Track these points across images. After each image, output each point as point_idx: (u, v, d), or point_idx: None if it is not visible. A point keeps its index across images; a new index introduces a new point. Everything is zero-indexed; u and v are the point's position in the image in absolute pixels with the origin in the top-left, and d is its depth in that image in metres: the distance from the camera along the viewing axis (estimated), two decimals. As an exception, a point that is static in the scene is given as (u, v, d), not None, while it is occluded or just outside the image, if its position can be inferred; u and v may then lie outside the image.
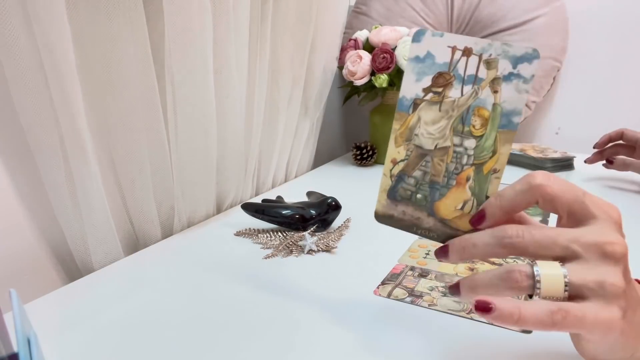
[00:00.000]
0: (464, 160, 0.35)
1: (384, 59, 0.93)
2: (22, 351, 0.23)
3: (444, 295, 0.48)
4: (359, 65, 0.96)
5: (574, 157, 0.99)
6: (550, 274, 0.29)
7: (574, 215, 0.30)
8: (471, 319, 0.43)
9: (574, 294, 0.29)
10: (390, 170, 0.37)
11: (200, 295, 0.49)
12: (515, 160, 1.03)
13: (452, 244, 0.34)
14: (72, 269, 0.58)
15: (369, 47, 1.00)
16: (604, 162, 0.86)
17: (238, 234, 0.65)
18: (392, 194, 0.37)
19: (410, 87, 0.35)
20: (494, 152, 0.34)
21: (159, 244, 0.63)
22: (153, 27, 0.57)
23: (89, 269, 0.56)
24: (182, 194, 0.66)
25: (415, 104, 0.35)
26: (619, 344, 0.29)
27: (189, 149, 0.64)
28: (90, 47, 0.52)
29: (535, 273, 0.29)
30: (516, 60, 0.32)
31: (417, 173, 0.36)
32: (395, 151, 0.36)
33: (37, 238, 0.55)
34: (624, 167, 0.82)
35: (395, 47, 0.95)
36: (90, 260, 0.56)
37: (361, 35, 1.02)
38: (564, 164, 0.98)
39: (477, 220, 0.34)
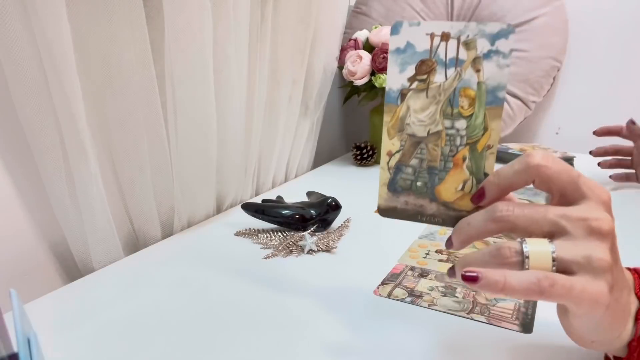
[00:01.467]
0: (458, 142, 0.35)
1: (384, 59, 0.93)
2: (22, 351, 0.23)
3: (444, 295, 0.48)
4: (359, 65, 0.96)
5: (574, 157, 0.99)
6: (538, 249, 0.29)
7: (566, 196, 0.31)
8: (471, 319, 0.43)
9: (562, 269, 0.29)
10: (387, 163, 0.37)
11: (200, 295, 0.49)
12: (515, 160, 1.03)
13: (453, 230, 0.35)
14: (72, 269, 0.58)
15: (369, 47, 1.00)
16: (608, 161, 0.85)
17: (238, 234, 0.65)
18: (392, 186, 0.37)
19: (396, 79, 0.35)
20: (485, 129, 0.35)
21: (159, 244, 0.63)
22: (153, 27, 0.57)
23: (89, 269, 0.56)
24: (182, 194, 0.66)
25: (403, 94, 0.36)
26: (606, 322, 0.30)
27: (189, 149, 0.64)
28: (90, 47, 0.52)
29: (524, 249, 0.29)
30: (493, 38, 0.33)
31: (414, 161, 0.37)
32: (389, 143, 0.37)
33: (37, 238, 0.55)
34: (626, 179, 0.83)
35: (395, 47, 0.95)
36: (90, 260, 0.56)
37: (361, 35, 1.02)
38: (564, 163, 0.98)
39: (477, 198, 0.34)
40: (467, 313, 0.44)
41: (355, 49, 0.99)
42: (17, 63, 0.45)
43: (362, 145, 1.05)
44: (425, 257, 0.57)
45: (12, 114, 0.48)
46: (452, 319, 0.43)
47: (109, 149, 0.58)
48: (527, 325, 0.42)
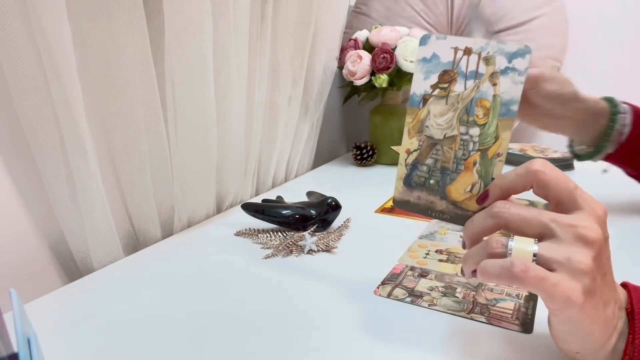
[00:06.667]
0: (470, 147, 0.38)
1: (384, 59, 0.93)
2: (22, 351, 0.23)
3: (444, 295, 0.48)
4: (359, 65, 0.96)
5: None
6: (522, 246, 0.31)
7: (562, 205, 0.33)
8: (471, 319, 0.43)
9: (542, 266, 0.30)
10: (405, 160, 0.41)
11: (200, 295, 0.49)
12: (516, 161, 1.03)
13: (463, 231, 0.37)
14: (72, 269, 0.58)
15: (369, 47, 0.99)
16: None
17: (238, 234, 0.65)
18: (408, 181, 0.41)
19: (420, 85, 0.39)
20: (497, 138, 0.37)
21: (159, 244, 0.63)
22: (153, 27, 0.57)
23: (89, 269, 0.56)
24: (182, 194, 0.66)
25: (425, 99, 0.39)
26: (584, 327, 0.30)
27: (189, 149, 0.64)
28: (90, 47, 0.52)
29: (509, 244, 0.32)
30: (511, 56, 0.36)
31: (429, 161, 0.40)
32: (408, 142, 0.40)
33: (37, 238, 0.55)
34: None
35: (395, 47, 0.95)
36: (90, 260, 0.56)
37: (361, 35, 1.02)
38: (564, 164, 0.98)
39: (482, 199, 0.37)
40: (467, 313, 0.44)
41: (355, 49, 0.99)
42: (17, 63, 0.45)
43: (362, 145, 1.05)
44: (425, 257, 0.57)
45: (12, 113, 0.48)
46: (452, 319, 0.43)
47: (109, 149, 0.58)
48: (527, 325, 0.42)
